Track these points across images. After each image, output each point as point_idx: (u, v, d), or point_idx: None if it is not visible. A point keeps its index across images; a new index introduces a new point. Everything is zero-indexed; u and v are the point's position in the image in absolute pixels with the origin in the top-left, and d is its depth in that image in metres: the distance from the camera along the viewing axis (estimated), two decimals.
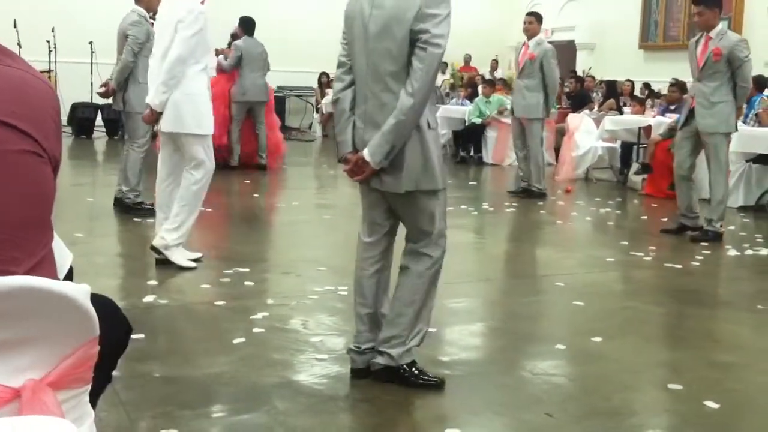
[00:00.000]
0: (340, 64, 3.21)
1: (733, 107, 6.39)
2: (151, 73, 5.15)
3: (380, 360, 3.21)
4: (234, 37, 10.82)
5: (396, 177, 3.05)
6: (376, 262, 3.28)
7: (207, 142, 5.03)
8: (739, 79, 6.33)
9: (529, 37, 8.71)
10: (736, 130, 6.60)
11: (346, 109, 3.16)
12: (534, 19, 8.73)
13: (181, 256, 5.02)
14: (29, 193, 1.53)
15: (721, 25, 6.45)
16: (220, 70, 10.19)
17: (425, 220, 3.14)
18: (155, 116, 5.00)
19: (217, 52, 10.60)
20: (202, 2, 4.97)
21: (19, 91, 1.54)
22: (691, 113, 6.50)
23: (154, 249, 5.03)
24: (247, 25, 10.25)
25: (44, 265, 1.56)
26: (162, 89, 4.88)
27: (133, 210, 6.81)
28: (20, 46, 12.18)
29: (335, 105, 3.25)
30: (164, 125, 4.98)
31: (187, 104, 4.91)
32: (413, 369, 3.23)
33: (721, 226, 6.52)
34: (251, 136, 10.21)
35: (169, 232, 4.98)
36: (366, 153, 3.03)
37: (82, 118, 13.66)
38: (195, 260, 5.11)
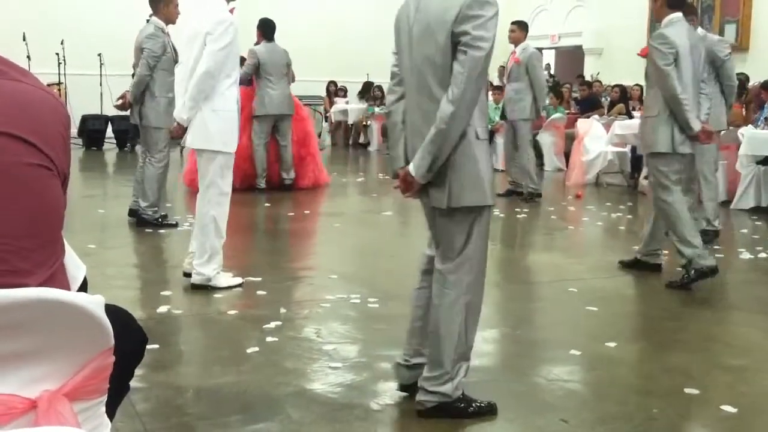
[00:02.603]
0: (392, 75, 3.06)
1: (721, 106, 6.43)
2: (178, 84, 4.95)
3: (431, 398, 3.00)
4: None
5: (441, 191, 2.87)
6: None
7: (228, 162, 4.80)
8: (724, 78, 6.42)
9: (515, 45, 9.00)
10: (727, 128, 6.64)
11: (398, 121, 3.01)
12: (517, 28, 9.05)
13: (225, 280, 4.85)
14: (38, 206, 1.53)
15: (700, 29, 6.48)
16: (240, 81, 9.48)
17: (458, 238, 2.94)
18: (183, 131, 4.80)
19: None
20: (232, 10, 4.76)
21: (28, 105, 1.55)
22: None
23: (195, 287, 4.80)
24: (266, 29, 9.10)
25: (57, 278, 1.56)
26: (190, 104, 4.67)
27: (155, 225, 6.70)
28: (30, 59, 12.26)
29: (388, 118, 3.10)
30: (189, 140, 4.81)
31: (214, 121, 4.69)
32: (465, 399, 3.06)
33: (718, 223, 6.61)
34: (272, 152, 9.21)
35: (204, 265, 4.77)
36: (411, 167, 2.87)
37: (92, 129, 13.73)
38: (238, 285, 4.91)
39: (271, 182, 9.10)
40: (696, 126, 4.99)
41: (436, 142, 2.80)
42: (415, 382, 3.12)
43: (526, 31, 9.13)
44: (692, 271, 5.00)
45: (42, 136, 1.54)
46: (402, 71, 3.02)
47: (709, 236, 6.43)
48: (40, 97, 1.60)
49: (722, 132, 6.54)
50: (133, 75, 7.02)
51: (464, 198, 2.89)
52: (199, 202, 4.82)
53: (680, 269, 5.10)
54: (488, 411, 3.07)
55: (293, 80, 9.28)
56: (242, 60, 9.75)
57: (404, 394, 3.19)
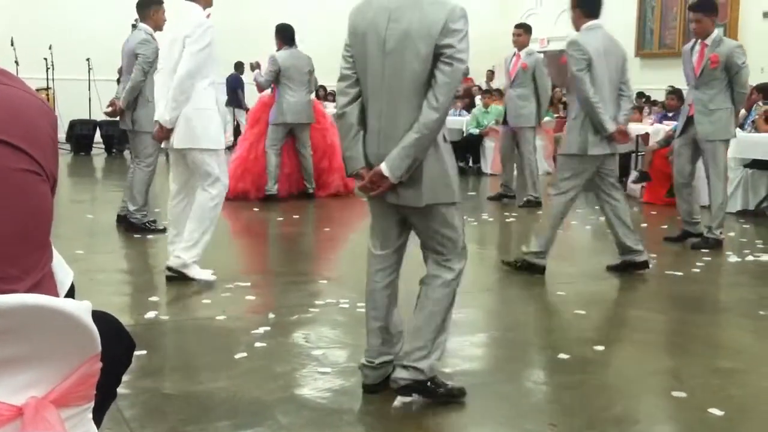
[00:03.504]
0: (343, 77, 3.12)
1: (731, 114, 6.39)
2: (158, 90, 5.08)
3: (405, 374, 3.12)
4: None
5: (415, 191, 3.01)
6: (388, 275, 3.23)
7: (220, 157, 4.96)
8: (737, 86, 6.32)
9: (519, 48, 8.86)
10: (735, 136, 6.60)
11: (354, 123, 3.08)
12: (523, 31, 8.88)
13: (199, 271, 4.97)
14: (27, 211, 1.53)
15: (717, 32, 6.43)
16: (259, 88, 8.96)
17: (448, 230, 3.11)
18: (165, 133, 4.91)
19: (252, 67, 9.20)
20: (208, 16, 4.89)
21: (16, 109, 1.55)
22: (689, 120, 6.50)
23: (170, 269, 4.97)
24: (284, 34, 8.67)
25: (45, 284, 1.56)
26: (172, 105, 4.79)
27: (143, 229, 6.73)
28: (17, 64, 12.23)
29: (340, 120, 3.14)
30: (176, 142, 4.89)
31: (198, 119, 4.83)
32: (438, 382, 3.19)
33: (720, 233, 6.51)
34: (295, 160, 8.96)
35: (186, 250, 4.92)
36: (384, 167, 2.97)
37: (80, 134, 13.70)
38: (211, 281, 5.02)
39: (290, 191, 8.91)
40: (610, 127, 5.24)
41: (417, 146, 2.94)
42: (381, 381, 3.24)
43: (530, 34, 8.97)
44: (524, 260, 5.48)
45: (32, 142, 1.54)
46: (363, 75, 3.06)
47: (709, 243, 6.44)
48: (28, 101, 1.60)
49: (728, 139, 6.48)
50: (118, 80, 7.00)
51: (437, 195, 3.04)
52: (200, 194, 4.93)
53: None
54: (458, 394, 3.22)
55: (316, 87, 8.90)
56: (252, 66, 9.29)
57: (385, 395, 3.20)
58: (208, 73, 4.84)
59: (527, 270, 5.44)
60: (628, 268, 5.53)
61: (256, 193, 8.67)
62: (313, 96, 9.00)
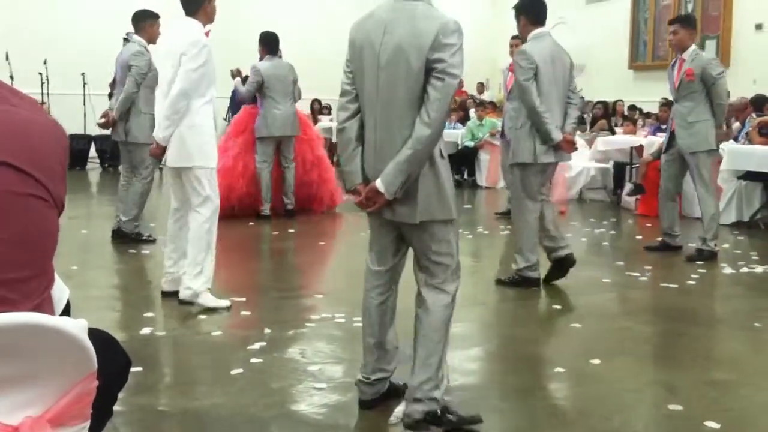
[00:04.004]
0: (343, 93, 3.12)
1: (711, 126, 6.44)
2: (158, 105, 5.06)
3: (420, 407, 3.01)
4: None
5: (410, 207, 2.98)
6: (385, 291, 3.22)
7: (212, 176, 4.91)
8: (714, 97, 6.41)
9: None
10: (717, 147, 6.65)
11: (353, 138, 3.07)
12: (519, 42, 8.72)
13: (212, 301, 4.84)
14: (30, 238, 1.52)
15: (694, 47, 6.52)
16: (240, 99, 8.76)
17: (443, 249, 3.05)
18: (161, 150, 4.89)
19: (233, 74, 9.05)
20: (207, 33, 4.86)
21: (26, 134, 1.54)
22: (673, 135, 6.59)
23: (182, 302, 4.82)
24: (268, 42, 8.47)
25: (43, 308, 1.55)
26: (166, 123, 4.77)
27: (132, 240, 6.77)
28: (12, 78, 12.22)
29: (340, 134, 3.13)
30: (170, 160, 4.88)
31: (192, 137, 4.79)
32: (450, 410, 3.08)
33: (715, 244, 6.53)
34: (277, 174, 8.62)
35: (194, 278, 4.81)
36: (379, 183, 2.95)
37: (75, 149, 13.66)
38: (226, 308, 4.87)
39: (276, 208, 8.59)
40: (556, 136, 5.25)
41: (411, 162, 2.91)
42: (377, 398, 3.23)
43: None
44: (517, 276, 5.52)
45: (39, 166, 1.53)
46: (361, 90, 3.06)
47: (704, 255, 6.46)
48: (41, 125, 1.58)
49: (711, 151, 6.52)
50: (110, 95, 7.04)
51: (433, 212, 3.00)
52: (193, 217, 4.86)
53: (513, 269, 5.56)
54: (471, 421, 3.09)
55: (299, 97, 8.75)
56: (233, 73, 9.37)
57: (387, 414, 3.19)
58: (204, 92, 4.79)
59: (523, 285, 5.45)
60: (558, 266, 5.62)
61: (239, 204, 8.35)
62: (297, 106, 8.75)
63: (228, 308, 4.82)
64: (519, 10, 5.52)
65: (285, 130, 8.41)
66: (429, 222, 3.01)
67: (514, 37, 8.93)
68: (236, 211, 8.32)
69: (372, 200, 3.01)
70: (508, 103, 8.92)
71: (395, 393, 3.29)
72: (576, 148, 5.65)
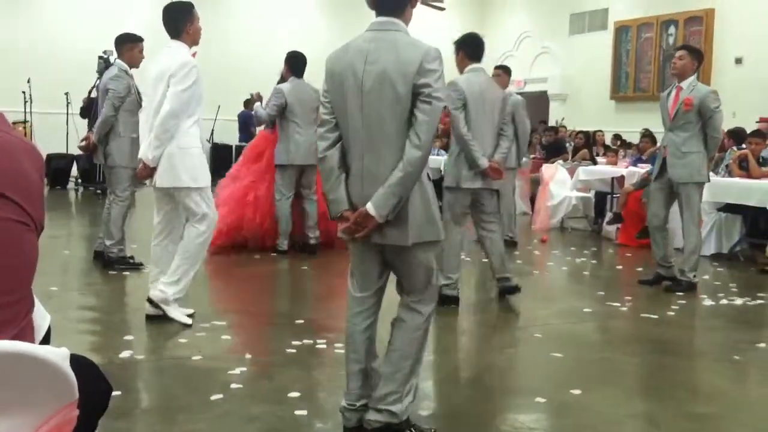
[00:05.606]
0: (322, 123, 3.17)
1: (704, 158, 6.47)
2: (142, 127, 5.11)
3: (379, 417, 3.14)
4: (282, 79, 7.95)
5: (401, 230, 3.05)
6: (368, 317, 3.24)
7: (206, 193, 4.97)
8: (709, 129, 6.42)
9: None
10: (708, 180, 6.68)
11: (335, 166, 3.11)
12: (502, 72, 8.78)
13: (178, 312, 4.93)
14: (11, 263, 1.51)
15: (693, 78, 6.55)
16: (260, 122, 8.16)
17: (422, 272, 3.16)
18: (149, 171, 4.92)
19: (253, 98, 8.47)
20: (194, 55, 4.94)
21: (6, 157, 1.53)
22: (665, 164, 6.59)
23: (150, 301, 4.94)
24: (295, 63, 7.79)
25: (25, 333, 1.54)
26: (155, 144, 4.81)
27: (117, 265, 6.69)
28: None
29: (322, 163, 3.16)
30: (159, 180, 4.90)
31: (182, 157, 4.84)
32: (411, 425, 3.21)
33: (694, 276, 6.56)
34: (296, 206, 7.86)
35: (169, 285, 4.90)
36: (370, 207, 3.00)
37: (57, 168, 13.63)
38: (189, 315, 4.99)
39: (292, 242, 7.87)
40: (483, 163, 5.56)
41: (403, 183, 2.99)
42: (362, 424, 3.22)
43: (510, 75, 8.87)
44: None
45: (20, 190, 1.52)
46: (343, 118, 3.10)
47: (682, 286, 6.49)
48: (17, 146, 1.58)
49: (702, 183, 6.55)
50: (85, 115, 7.01)
51: (423, 234, 3.09)
52: (188, 230, 4.95)
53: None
54: None
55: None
56: (252, 97, 8.66)
57: None
58: (192, 112, 4.87)
59: (444, 303, 5.38)
60: (503, 294, 5.91)
61: (253, 240, 7.83)
62: None
63: (189, 325, 4.87)
64: (459, 44, 5.83)
65: (308, 158, 7.54)
66: (418, 244, 3.08)
67: (497, 67, 9.01)
68: (249, 244, 7.82)
69: (362, 225, 3.04)
70: None
71: None
72: (502, 176, 5.84)
